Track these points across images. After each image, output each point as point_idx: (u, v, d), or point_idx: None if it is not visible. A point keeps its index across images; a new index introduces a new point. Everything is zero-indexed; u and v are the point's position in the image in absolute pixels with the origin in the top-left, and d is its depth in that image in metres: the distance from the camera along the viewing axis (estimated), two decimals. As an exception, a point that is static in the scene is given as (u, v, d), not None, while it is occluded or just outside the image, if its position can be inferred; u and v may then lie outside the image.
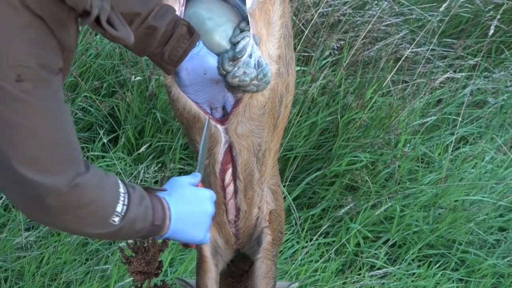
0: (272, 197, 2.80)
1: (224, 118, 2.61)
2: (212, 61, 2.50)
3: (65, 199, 1.98)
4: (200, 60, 2.50)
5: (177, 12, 2.48)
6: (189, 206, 2.30)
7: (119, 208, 2.08)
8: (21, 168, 1.93)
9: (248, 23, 2.50)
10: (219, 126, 2.60)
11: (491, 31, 4.70)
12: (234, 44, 2.49)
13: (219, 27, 2.49)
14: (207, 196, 2.32)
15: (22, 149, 1.92)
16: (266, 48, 2.55)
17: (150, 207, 2.17)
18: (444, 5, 4.63)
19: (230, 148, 2.66)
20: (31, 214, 2.02)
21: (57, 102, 1.94)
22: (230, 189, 2.72)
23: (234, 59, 2.46)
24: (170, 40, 2.40)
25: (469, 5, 4.98)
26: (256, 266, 2.79)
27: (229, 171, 2.69)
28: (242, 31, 2.50)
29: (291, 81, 2.71)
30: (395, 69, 4.59)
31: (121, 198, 2.08)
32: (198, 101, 2.59)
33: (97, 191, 2.03)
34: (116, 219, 2.08)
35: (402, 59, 4.66)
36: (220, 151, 2.65)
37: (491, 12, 5.06)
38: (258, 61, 2.50)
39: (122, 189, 2.09)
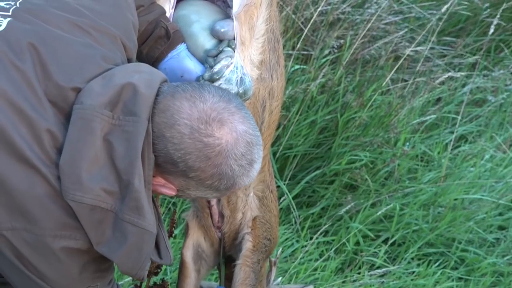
0: (258, 203, 2.78)
1: None
2: (190, 64, 2.48)
3: None
4: (179, 62, 2.49)
5: (167, 14, 2.47)
6: None
7: None
8: None
9: (227, 39, 2.47)
10: None
11: (491, 30, 4.69)
12: (212, 57, 2.47)
13: (204, 31, 2.47)
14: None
15: None
16: (248, 53, 2.52)
17: None
18: (445, 7, 4.63)
19: None
20: None
21: None
22: None
23: (211, 80, 2.45)
24: (148, 39, 2.44)
25: (468, 3, 4.97)
26: (235, 272, 2.79)
27: None
28: (223, 50, 2.46)
29: (276, 87, 2.68)
30: (395, 68, 4.59)
31: None
32: None
33: None
34: None
35: (402, 58, 4.65)
36: None
37: (489, 10, 5.05)
38: (241, 77, 2.47)
39: None
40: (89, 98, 2.05)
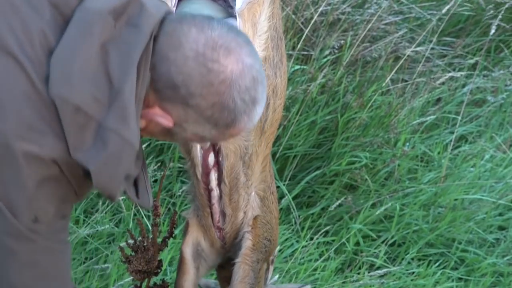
0: (260, 203, 2.78)
1: None
2: None
3: None
4: None
5: None
6: None
7: None
8: None
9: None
10: None
11: (492, 31, 4.70)
12: None
13: None
14: None
15: (20, 278, 2.06)
16: None
17: None
18: (446, 7, 4.63)
19: (216, 153, 2.64)
20: None
21: (61, 243, 2.09)
22: (214, 193, 2.70)
23: None
24: None
25: (469, 4, 4.97)
26: (234, 270, 2.78)
27: (214, 175, 2.67)
28: None
29: (280, 85, 2.68)
30: (395, 69, 4.59)
31: None
32: None
33: None
34: None
35: (402, 59, 4.65)
36: (198, 155, 2.63)
37: (491, 11, 5.05)
38: None
39: None
40: (94, 2, 2.00)
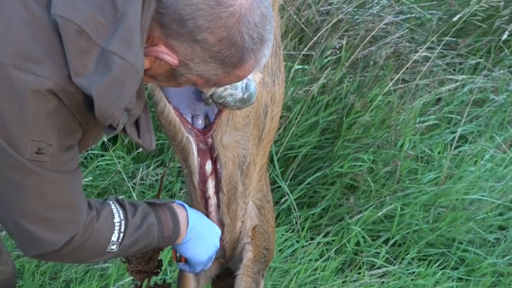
0: (257, 212, 2.77)
1: (207, 129, 2.58)
2: None
3: (60, 252, 2.13)
4: None
5: None
6: (204, 226, 2.41)
7: (114, 237, 2.18)
8: (25, 222, 2.06)
9: None
10: (190, 137, 2.58)
11: (505, 36, 4.72)
12: None
13: None
14: (217, 231, 2.46)
15: (29, 209, 2.05)
16: None
17: (155, 223, 2.26)
18: (458, 16, 4.64)
19: (214, 161, 2.63)
20: (29, 253, 2.14)
21: (68, 173, 2.06)
22: (212, 201, 2.69)
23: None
24: None
25: (482, 14, 4.96)
26: (236, 282, 2.77)
27: (212, 183, 2.66)
28: None
29: (278, 93, 2.67)
30: (396, 69, 4.59)
31: (116, 228, 2.19)
32: (180, 107, 2.56)
33: (88, 234, 2.15)
34: (114, 246, 2.19)
35: (405, 60, 4.66)
36: (195, 162, 2.62)
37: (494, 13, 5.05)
38: (246, 83, 2.47)
39: (117, 218, 2.20)
40: None
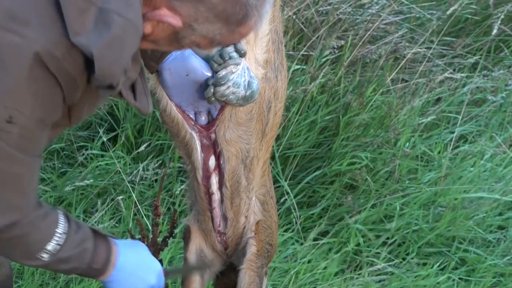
0: (261, 207, 2.78)
1: (210, 124, 2.58)
2: (195, 62, 2.48)
3: None
4: (184, 61, 2.49)
5: None
6: (138, 264, 2.30)
7: (50, 247, 2.12)
8: None
9: (237, 50, 2.48)
10: (194, 133, 2.58)
11: (494, 30, 4.70)
12: (218, 65, 2.47)
13: None
14: (156, 269, 2.33)
15: None
16: (253, 53, 2.53)
17: (91, 251, 2.20)
18: (451, 9, 4.63)
19: (217, 156, 2.63)
20: None
21: (30, 156, 1.99)
22: (215, 197, 2.69)
23: (217, 84, 2.44)
24: None
25: (474, 6, 4.95)
26: (239, 277, 2.77)
27: (215, 179, 2.67)
28: (229, 58, 2.47)
29: (281, 88, 2.68)
30: (396, 69, 4.59)
31: (56, 238, 2.13)
32: (182, 104, 2.56)
33: (28, 229, 2.08)
34: (45, 255, 2.13)
35: (402, 58, 4.65)
36: (198, 158, 2.62)
37: (497, 12, 5.04)
38: (248, 81, 2.47)
39: (60, 229, 2.14)
40: None
